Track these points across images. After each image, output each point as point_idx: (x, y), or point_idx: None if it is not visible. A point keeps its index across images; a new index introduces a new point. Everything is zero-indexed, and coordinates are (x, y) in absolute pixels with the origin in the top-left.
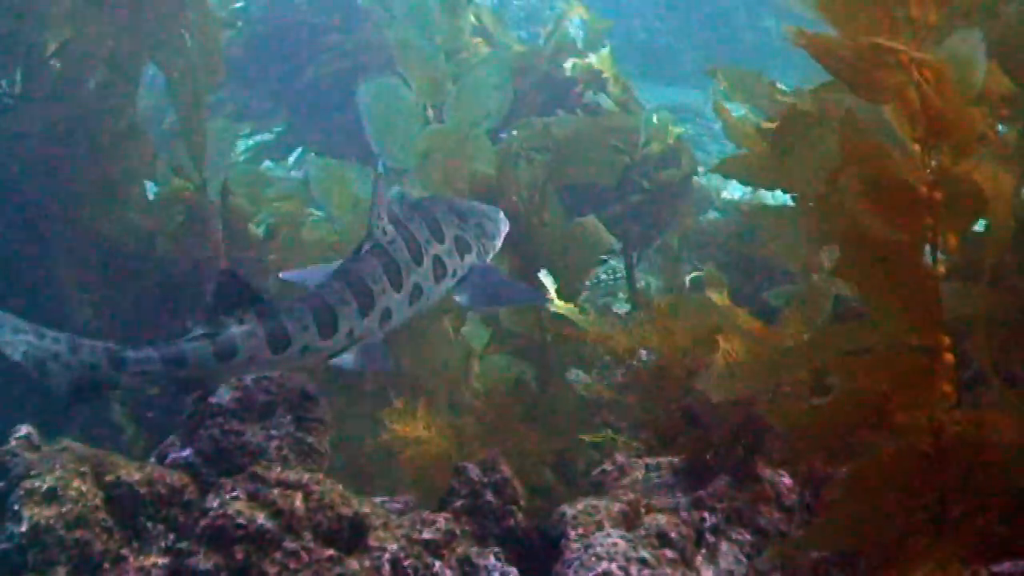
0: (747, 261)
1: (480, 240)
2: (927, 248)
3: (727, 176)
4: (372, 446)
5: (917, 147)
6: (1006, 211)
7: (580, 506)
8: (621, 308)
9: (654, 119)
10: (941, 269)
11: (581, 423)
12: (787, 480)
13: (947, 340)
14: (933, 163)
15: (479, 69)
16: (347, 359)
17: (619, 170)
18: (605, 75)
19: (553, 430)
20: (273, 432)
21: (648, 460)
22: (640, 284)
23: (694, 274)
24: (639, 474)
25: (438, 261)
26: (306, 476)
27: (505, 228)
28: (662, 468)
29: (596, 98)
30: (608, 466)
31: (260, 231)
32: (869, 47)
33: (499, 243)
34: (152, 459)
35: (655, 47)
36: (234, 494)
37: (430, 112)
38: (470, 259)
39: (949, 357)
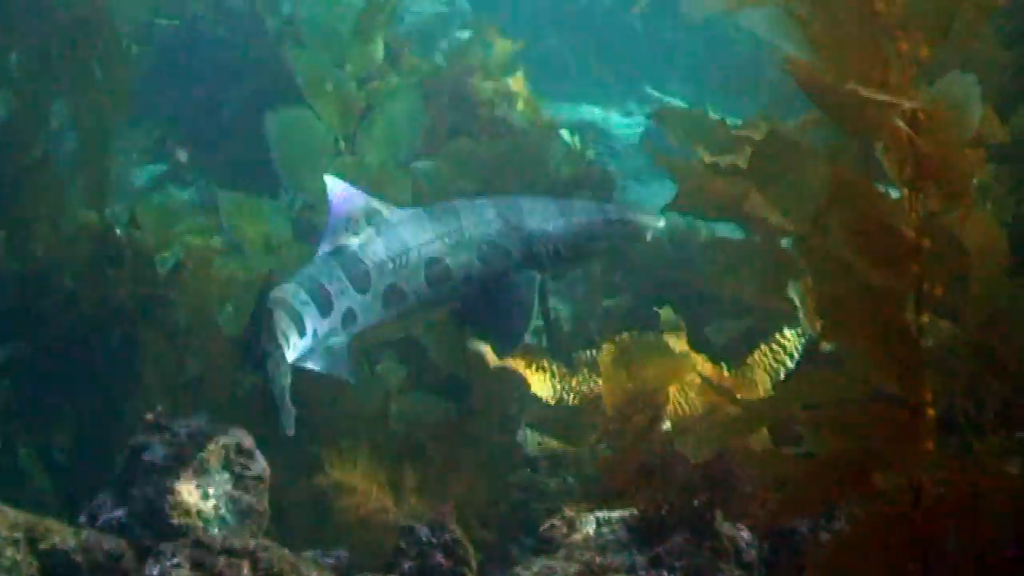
0: (678, 289)
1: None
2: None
3: (683, 213)
4: (296, 492)
5: (905, 190)
6: (995, 268)
7: (536, 568)
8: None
9: (566, 141)
10: (925, 319)
11: (507, 466)
12: (746, 534)
13: (929, 395)
14: (922, 208)
15: (391, 99)
16: (313, 361)
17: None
18: (516, 96)
19: (480, 474)
20: (210, 491)
21: (599, 514)
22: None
23: (607, 302)
24: (590, 530)
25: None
26: (252, 543)
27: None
28: (614, 523)
29: (507, 119)
30: (557, 521)
31: (167, 266)
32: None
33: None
34: (83, 519)
35: (551, 62)
36: (175, 561)
37: (341, 144)
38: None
39: (931, 412)
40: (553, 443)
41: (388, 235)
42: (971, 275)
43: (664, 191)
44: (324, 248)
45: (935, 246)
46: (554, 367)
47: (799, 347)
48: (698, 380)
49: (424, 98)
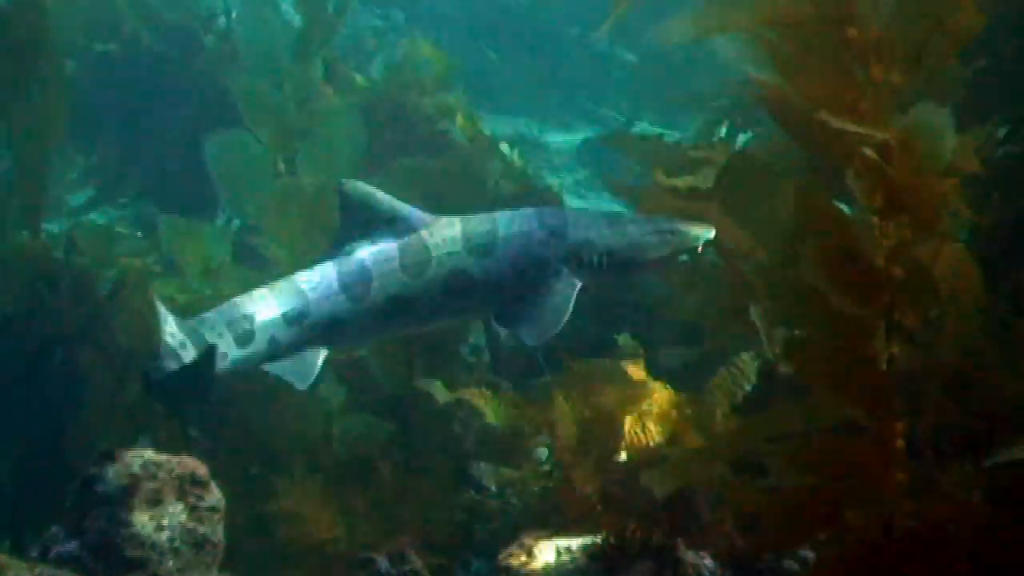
0: (627, 310)
1: None
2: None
3: None
4: (245, 520)
5: (875, 219)
6: (970, 301)
7: None
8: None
9: (508, 157)
10: (895, 350)
11: (452, 487)
12: (709, 562)
13: (900, 426)
14: (893, 237)
15: (331, 120)
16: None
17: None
18: (455, 112)
19: (426, 496)
20: (164, 523)
21: (559, 541)
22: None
23: None
24: (550, 558)
25: None
26: None
27: None
28: (575, 551)
29: (448, 136)
30: (516, 548)
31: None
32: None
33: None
34: (35, 553)
35: (486, 75)
36: None
37: (281, 166)
38: None
39: (901, 444)
40: (506, 472)
41: (407, 243)
42: (943, 307)
43: (603, 206)
44: (333, 253)
45: (906, 276)
46: (507, 397)
47: (755, 370)
48: (656, 408)
49: (363, 115)
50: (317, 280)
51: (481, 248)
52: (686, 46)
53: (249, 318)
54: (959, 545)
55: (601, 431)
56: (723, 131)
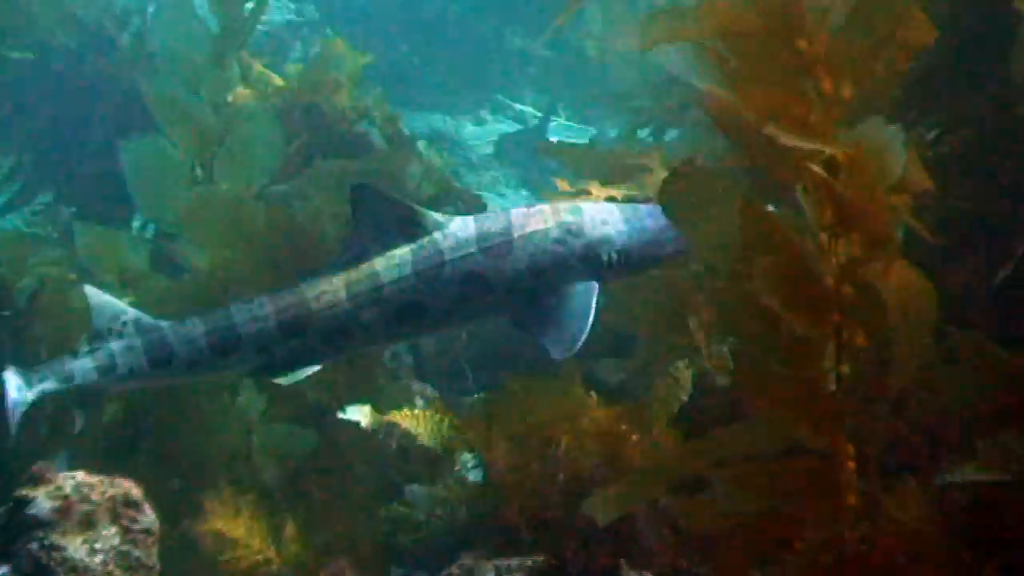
0: None
1: None
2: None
3: None
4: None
5: (824, 236)
6: (920, 323)
7: None
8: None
9: (428, 158)
10: (845, 370)
11: (375, 498)
12: None
13: (850, 448)
14: (843, 255)
15: (248, 124)
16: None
17: None
18: (373, 112)
19: (351, 509)
20: (97, 546)
21: (497, 562)
22: None
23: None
24: None
25: None
26: None
27: None
28: (514, 571)
29: (366, 136)
30: (455, 569)
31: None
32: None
33: None
34: None
35: (402, 71)
36: None
37: (199, 171)
38: None
39: (852, 465)
40: (440, 491)
41: (420, 247)
42: (894, 327)
43: (519, 203)
44: (344, 258)
45: (856, 295)
46: (439, 416)
47: (691, 378)
48: (594, 425)
49: (279, 117)
50: (326, 288)
51: (496, 248)
52: (599, 40)
53: (233, 328)
54: (909, 570)
55: (538, 450)
56: (647, 132)
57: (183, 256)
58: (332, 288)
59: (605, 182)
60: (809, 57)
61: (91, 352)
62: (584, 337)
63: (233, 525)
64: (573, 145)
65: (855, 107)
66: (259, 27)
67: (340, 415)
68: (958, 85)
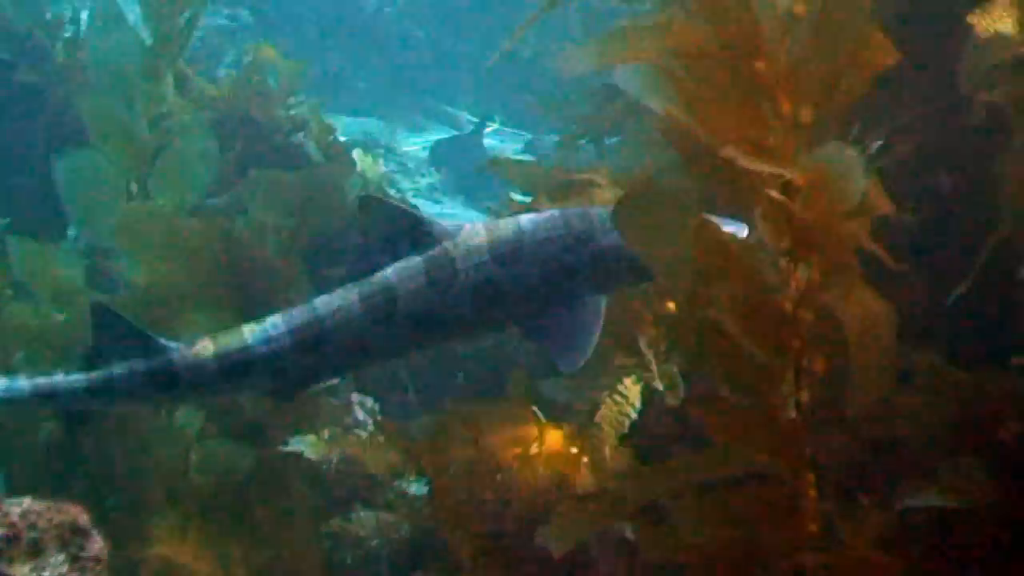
0: None
1: None
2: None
3: None
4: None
5: (783, 261)
6: (879, 348)
7: None
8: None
9: (365, 166)
10: (805, 397)
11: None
12: None
13: (811, 475)
14: (803, 280)
15: (183, 138)
16: None
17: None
18: (308, 122)
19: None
20: (45, 574)
21: None
22: None
23: None
24: None
25: None
26: None
27: None
28: None
29: (302, 147)
30: None
31: None
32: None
33: None
34: None
35: (336, 76)
36: None
37: (134, 186)
38: None
39: (812, 493)
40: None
41: (432, 256)
42: (853, 353)
43: (454, 209)
44: (355, 270)
45: (815, 321)
46: (386, 442)
47: (639, 394)
48: (546, 448)
49: (214, 128)
50: (338, 303)
51: (508, 256)
52: (532, 45)
53: (246, 348)
54: None
55: (489, 476)
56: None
57: (119, 272)
58: (347, 303)
59: (553, 198)
60: (767, 79)
61: (87, 370)
62: (590, 351)
63: (180, 551)
64: (519, 162)
65: (815, 131)
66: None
67: (283, 448)
68: (903, 96)
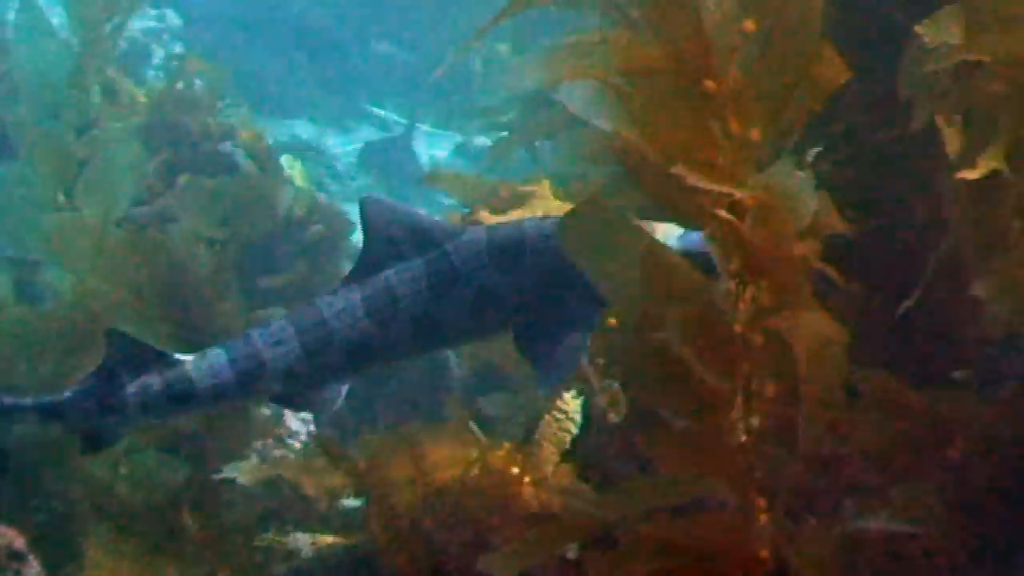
0: None
1: None
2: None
3: None
4: None
5: (733, 283)
6: (830, 371)
7: None
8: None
9: (295, 173)
10: (755, 422)
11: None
12: None
13: (762, 501)
14: (752, 303)
15: (110, 148)
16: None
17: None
18: (238, 129)
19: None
20: None
21: None
22: None
23: None
24: None
25: None
26: None
27: None
28: None
29: (231, 155)
30: None
31: None
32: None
33: None
34: None
35: (264, 79)
36: None
37: (62, 198)
38: None
39: (764, 518)
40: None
41: (432, 260)
42: (805, 377)
43: None
44: (356, 273)
45: (765, 345)
46: (325, 465)
47: (579, 409)
48: (487, 468)
49: (141, 134)
50: (341, 306)
51: (508, 261)
52: (462, 48)
53: (254, 355)
54: None
55: (432, 499)
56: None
57: (47, 285)
58: (351, 305)
59: (495, 210)
60: (716, 97)
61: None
62: (571, 373)
63: (116, 571)
64: (458, 175)
65: (765, 151)
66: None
67: (217, 476)
68: (842, 104)
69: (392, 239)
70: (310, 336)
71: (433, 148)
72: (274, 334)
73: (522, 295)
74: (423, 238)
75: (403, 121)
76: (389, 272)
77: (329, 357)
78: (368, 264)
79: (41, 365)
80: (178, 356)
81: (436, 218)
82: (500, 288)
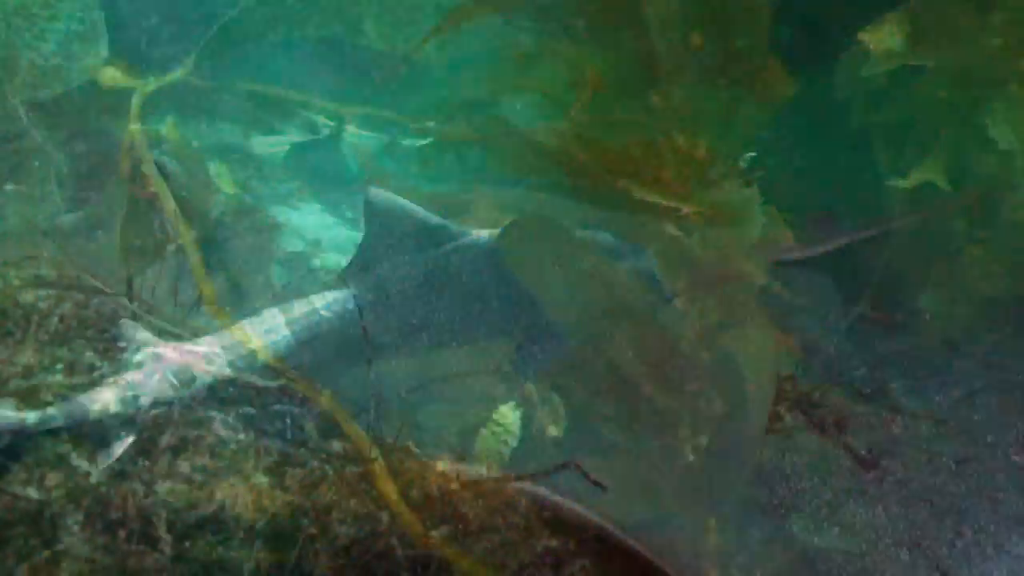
0: None
1: None
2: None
3: None
4: None
5: (682, 300)
6: (775, 390)
7: None
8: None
9: (223, 179)
10: (702, 440)
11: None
12: None
13: (712, 522)
14: (701, 320)
15: (34, 156)
16: None
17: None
18: (164, 137)
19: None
20: None
21: None
22: None
23: None
24: None
25: None
26: None
27: None
28: None
29: (158, 163)
30: None
31: None
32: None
33: None
34: None
35: (188, 78)
36: None
37: None
38: None
39: (714, 540)
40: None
41: (428, 259)
42: (751, 395)
43: (312, 216)
44: (356, 268)
45: (714, 362)
46: (272, 491)
47: (517, 421)
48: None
49: (66, 143)
50: (335, 300)
51: (505, 265)
52: (379, 36)
53: (238, 347)
54: None
55: (374, 518)
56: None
57: None
58: (342, 298)
59: None
60: (663, 112)
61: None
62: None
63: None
64: (397, 186)
65: (711, 164)
66: (50, 39)
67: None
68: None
69: (392, 234)
70: (299, 326)
71: (360, 150)
72: (265, 322)
73: (516, 296)
74: (425, 235)
75: (329, 123)
76: (385, 268)
77: (318, 351)
78: (365, 258)
79: None
80: None
81: (439, 217)
82: (494, 290)
